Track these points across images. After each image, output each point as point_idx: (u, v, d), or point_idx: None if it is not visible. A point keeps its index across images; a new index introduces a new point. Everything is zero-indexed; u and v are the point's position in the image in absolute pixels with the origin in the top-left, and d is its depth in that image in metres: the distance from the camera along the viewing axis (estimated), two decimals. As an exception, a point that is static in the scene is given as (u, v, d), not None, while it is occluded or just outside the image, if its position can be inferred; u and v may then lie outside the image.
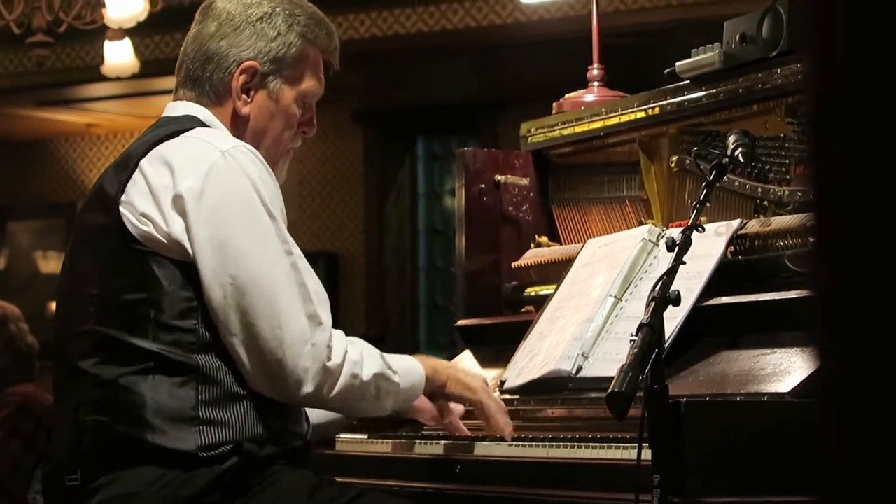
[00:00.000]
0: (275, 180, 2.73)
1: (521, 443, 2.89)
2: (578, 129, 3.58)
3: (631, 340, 2.47)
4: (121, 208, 2.67)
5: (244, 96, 2.84)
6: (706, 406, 2.59)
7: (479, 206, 3.68)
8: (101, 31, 7.27)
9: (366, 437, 3.25)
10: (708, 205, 2.77)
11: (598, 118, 3.52)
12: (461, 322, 3.66)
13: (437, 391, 2.92)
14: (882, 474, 0.99)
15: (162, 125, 2.81)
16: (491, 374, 3.26)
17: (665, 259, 2.73)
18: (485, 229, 3.70)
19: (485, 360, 3.46)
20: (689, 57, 3.21)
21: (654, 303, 2.50)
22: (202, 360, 2.63)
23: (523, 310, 3.64)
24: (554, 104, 3.74)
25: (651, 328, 2.45)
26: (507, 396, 3.13)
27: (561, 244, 3.67)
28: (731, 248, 3.02)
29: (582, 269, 3.26)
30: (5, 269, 11.72)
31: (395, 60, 9.26)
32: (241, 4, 2.87)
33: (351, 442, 3.26)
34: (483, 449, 2.96)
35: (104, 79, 7.86)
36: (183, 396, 2.61)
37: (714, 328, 2.91)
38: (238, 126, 2.84)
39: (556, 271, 3.45)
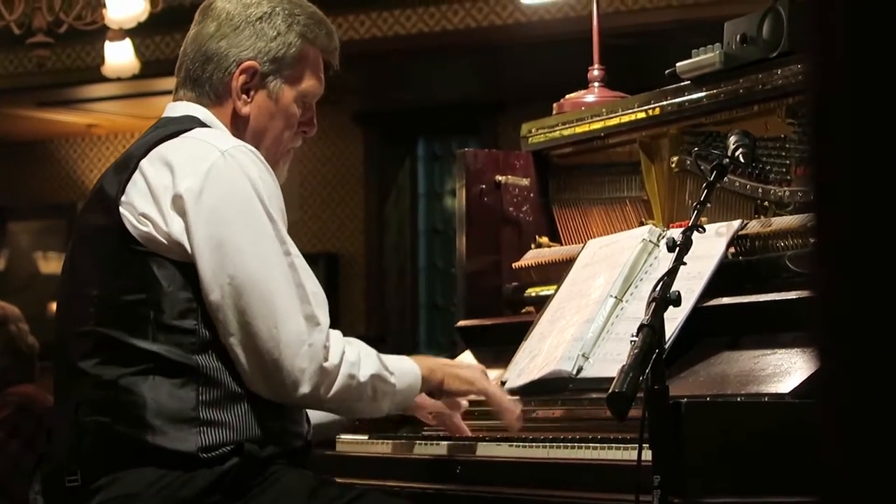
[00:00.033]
0: (275, 180, 2.73)
1: (521, 443, 2.89)
2: (579, 130, 3.58)
3: (631, 341, 2.47)
4: (121, 209, 2.67)
5: (244, 96, 2.84)
6: (707, 406, 2.59)
7: (479, 207, 3.68)
8: (102, 32, 7.27)
9: (366, 437, 3.25)
10: (708, 205, 2.77)
11: (598, 119, 3.52)
12: (461, 323, 3.66)
13: (435, 390, 2.92)
14: (882, 474, 0.99)
15: (162, 125, 2.81)
16: (492, 375, 3.25)
17: (665, 259, 2.74)
18: (485, 230, 3.69)
19: (485, 361, 3.46)
20: (690, 57, 3.21)
21: (654, 303, 2.50)
22: (202, 360, 2.63)
23: (524, 310, 3.64)
24: (554, 105, 3.74)
25: (651, 329, 2.45)
26: (507, 397, 3.14)
27: (561, 245, 3.67)
28: (732, 249, 3.02)
29: (582, 270, 3.26)
30: (5, 269, 11.72)
31: (396, 61, 9.26)
32: (241, 4, 2.87)
33: (351, 442, 3.26)
34: (484, 449, 2.96)
35: (104, 79, 7.86)
36: (183, 397, 2.60)
37: (714, 329, 2.91)
38: (238, 126, 2.84)
39: (556, 272, 3.45)
